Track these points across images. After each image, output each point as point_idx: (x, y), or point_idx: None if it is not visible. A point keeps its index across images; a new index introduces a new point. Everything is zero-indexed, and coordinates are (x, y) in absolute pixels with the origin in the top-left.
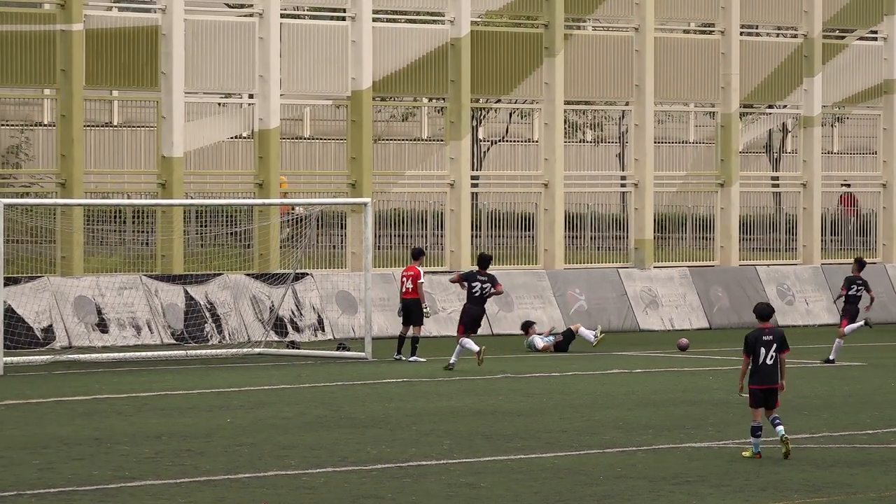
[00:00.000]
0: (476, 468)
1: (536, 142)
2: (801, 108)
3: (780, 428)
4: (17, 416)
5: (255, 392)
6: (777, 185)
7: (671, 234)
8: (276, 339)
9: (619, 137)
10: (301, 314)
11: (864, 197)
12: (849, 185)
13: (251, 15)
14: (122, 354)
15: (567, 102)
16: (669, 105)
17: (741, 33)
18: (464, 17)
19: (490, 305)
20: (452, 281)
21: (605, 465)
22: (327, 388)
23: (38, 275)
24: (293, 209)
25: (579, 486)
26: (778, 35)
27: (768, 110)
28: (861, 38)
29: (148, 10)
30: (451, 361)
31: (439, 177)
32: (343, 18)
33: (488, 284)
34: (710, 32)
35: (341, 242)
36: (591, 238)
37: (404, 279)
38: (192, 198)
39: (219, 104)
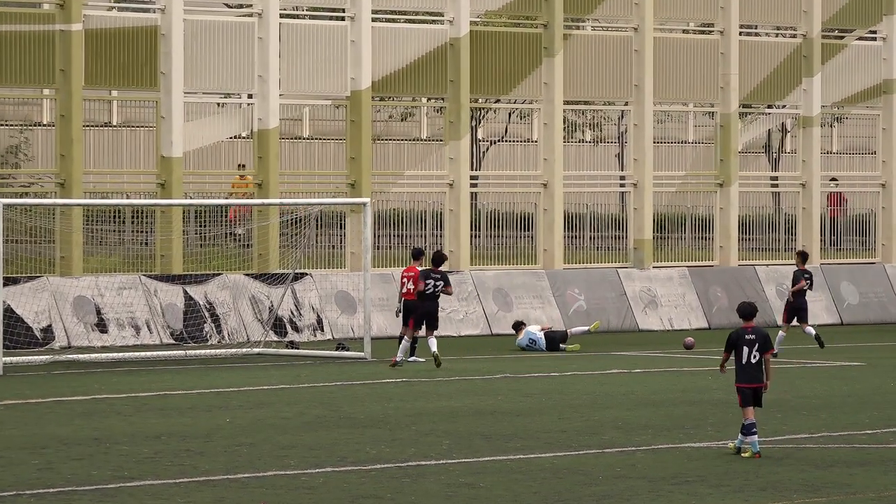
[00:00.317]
0: (475, 468)
1: (536, 142)
2: (800, 108)
3: (741, 438)
4: (16, 416)
5: (255, 392)
6: (776, 186)
7: (670, 234)
8: (275, 339)
9: (619, 137)
10: (300, 314)
11: (863, 197)
12: (836, 183)
13: (250, 15)
14: (121, 354)
15: (566, 102)
16: (668, 105)
17: (740, 33)
18: (463, 17)
19: (490, 305)
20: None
21: (605, 465)
22: (326, 388)
23: (38, 275)
24: (240, 223)
25: (578, 486)
26: (777, 35)
27: (767, 110)
28: (860, 38)
29: (147, 10)
30: (398, 359)
31: (438, 177)
32: (342, 18)
33: (440, 283)
34: (710, 32)
35: (340, 242)
36: (591, 238)
37: (405, 280)
38: (191, 198)
39: (218, 104)
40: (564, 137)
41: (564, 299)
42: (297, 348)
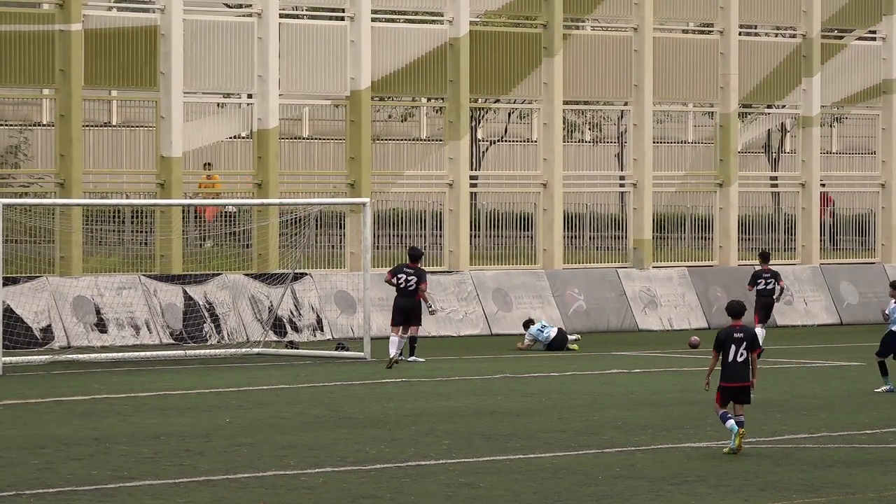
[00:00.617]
0: (475, 468)
1: (535, 142)
2: (799, 108)
3: (739, 424)
4: (15, 416)
5: (254, 392)
6: (776, 186)
7: (670, 234)
8: (274, 339)
9: (618, 137)
10: (300, 314)
11: (862, 197)
12: (823, 185)
13: (250, 15)
14: (120, 354)
15: (566, 102)
16: (668, 105)
17: (740, 33)
18: (462, 17)
19: (489, 305)
20: (386, 280)
21: (604, 465)
22: (326, 388)
23: (37, 275)
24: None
25: (578, 486)
26: (777, 35)
27: (767, 110)
28: (860, 38)
29: (147, 10)
30: (393, 356)
31: (438, 177)
32: (342, 18)
33: (413, 278)
34: (709, 32)
35: (340, 242)
36: (590, 238)
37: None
38: (190, 198)
39: (218, 104)
40: (564, 137)
41: (564, 299)
42: (297, 348)
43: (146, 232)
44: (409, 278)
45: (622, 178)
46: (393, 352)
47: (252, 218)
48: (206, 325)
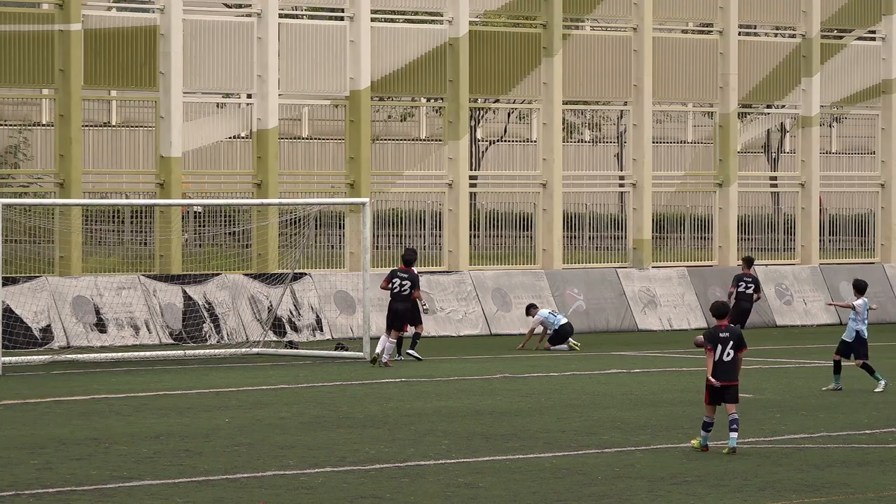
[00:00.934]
0: (474, 468)
1: (535, 142)
2: (799, 108)
3: (734, 437)
4: (15, 416)
5: (254, 392)
6: (775, 185)
7: (669, 234)
8: (274, 339)
9: (618, 137)
10: (299, 314)
11: (861, 197)
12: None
13: (249, 15)
14: (120, 354)
15: (565, 102)
16: (668, 105)
17: (739, 33)
18: (462, 17)
19: (489, 305)
20: (382, 287)
21: (604, 465)
22: (325, 388)
23: (37, 275)
24: (192, 208)
25: (577, 486)
26: (776, 35)
27: (766, 110)
28: (859, 38)
29: (146, 10)
30: (378, 352)
31: (437, 177)
32: (341, 18)
33: (407, 283)
34: (709, 32)
35: (339, 242)
36: (590, 238)
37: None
38: (190, 198)
39: (217, 104)
40: (563, 137)
41: (563, 299)
42: (296, 348)
43: (146, 232)
44: (403, 283)
45: (622, 178)
46: (378, 349)
47: (252, 218)
48: (205, 325)
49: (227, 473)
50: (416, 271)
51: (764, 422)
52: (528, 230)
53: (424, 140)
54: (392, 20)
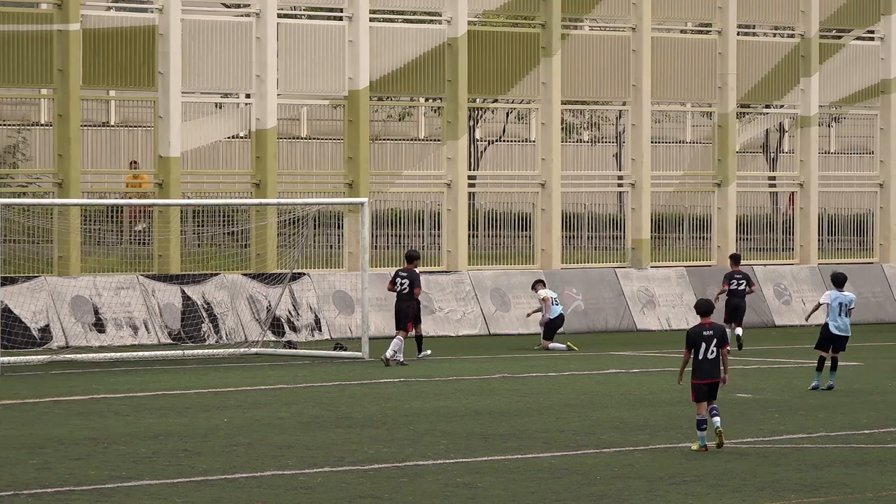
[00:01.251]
0: (473, 468)
1: (533, 142)
2: (798, 108)
3: (717, 420)
4: (13, 416)
5: (252, 392)
6: (774, 185)
7: (668, 234)
8: (273, 338)
9: (617, 137)
10: (298, 314)
11: (860, 197)
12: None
13: (248, 15)
14: (118, 354)
15: (564, 102)
16: (666, 105)
17: (738, 33)
18: (461, 17)
19: (487, 305)
20: (388, 289)
21: (602, 464)
22: (324, 388)
23: (35, 275)
24: (138, 221)
25: (576, 486)
26: (775, 35)
27: (765, 110)
28: (858, 38)
29: (145, 10)
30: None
31: (436, 177)
32: (340, 18)
33: (406, 281)
34: (707, 32)
35: (338, 242)
36: (588, 238)
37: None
38: (189, 198)
39: (216, 104)
40: (562, 137)
41: (562, 299)
42: (295, 348)
43: (144, 232)
44: (403, 282)
45: (620, 177)
46: (389, 352)
47: (250, 218)
48: (204, 325)
49: (225, 473)
50: (417, 270)
51: (763, 422)
52: (526, 230)
53: (423, 140)
54: (391, 20)
